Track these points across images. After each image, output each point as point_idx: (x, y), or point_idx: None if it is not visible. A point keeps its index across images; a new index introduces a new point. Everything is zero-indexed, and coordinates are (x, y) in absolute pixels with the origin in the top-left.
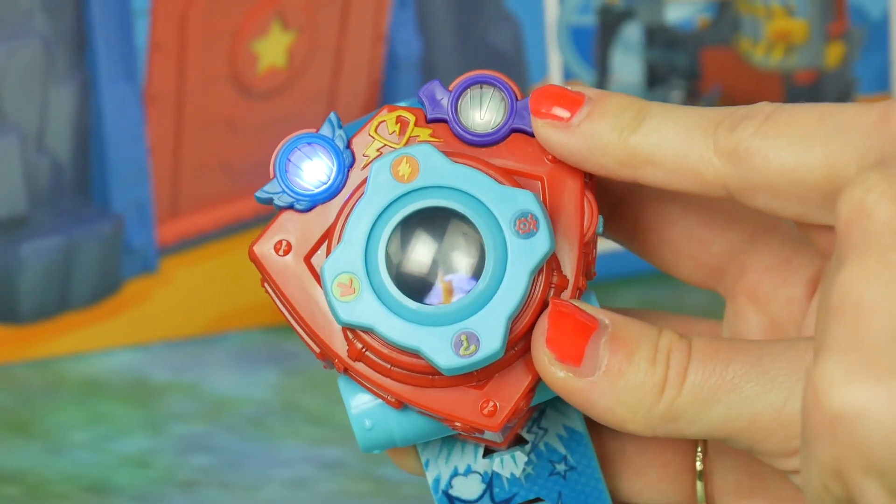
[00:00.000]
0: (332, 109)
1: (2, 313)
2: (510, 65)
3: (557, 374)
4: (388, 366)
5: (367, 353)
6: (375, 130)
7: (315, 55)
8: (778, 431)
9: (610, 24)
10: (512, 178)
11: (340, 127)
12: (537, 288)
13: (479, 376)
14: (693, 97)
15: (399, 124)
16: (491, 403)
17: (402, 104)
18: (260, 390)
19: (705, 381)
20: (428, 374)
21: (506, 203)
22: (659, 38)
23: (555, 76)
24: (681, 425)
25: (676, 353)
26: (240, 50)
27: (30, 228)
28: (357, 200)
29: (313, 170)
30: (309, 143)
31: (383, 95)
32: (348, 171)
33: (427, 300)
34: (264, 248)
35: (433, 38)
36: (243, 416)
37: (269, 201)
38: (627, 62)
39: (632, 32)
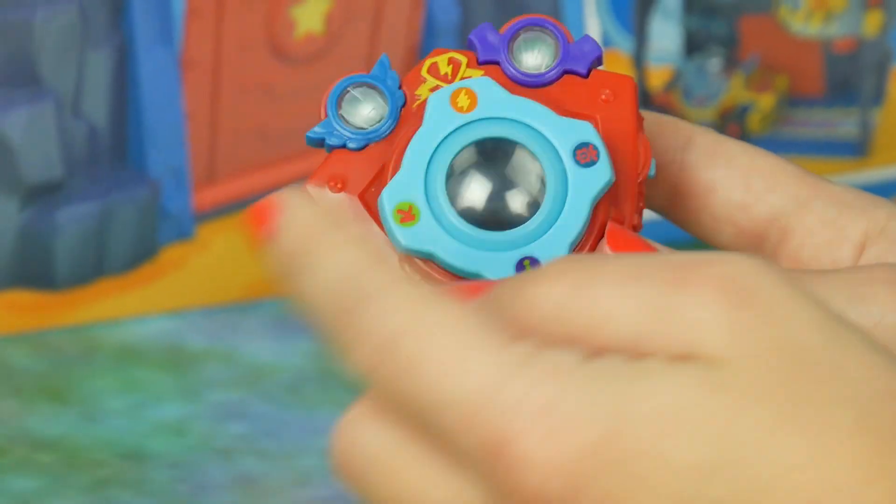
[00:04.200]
0: None
1: (38, 279)
2: None
3: None
4: None
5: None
6: (427, 71)
7: (353, 21)
8: None
9: None
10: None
11: (391, 69)
12: (597, 220)
13: None
14: (731, 65)
15: (451, 66)
16: None
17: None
18: (297, 357)
19: None
20: None
21: (565, 133)
22: (697, 5)
23: None
24: None
25: None
26: (277, 15)
27: (66, 194)
28: (414, 133)
29: (365, 110)
30: (361, 84)
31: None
32: (400, 111)
33: (488, 228)
34: (319, 184)
35: (471, 4)
36: (280, 384)
37: (320, 141)
38: (666, 29)
39: (670, 0)
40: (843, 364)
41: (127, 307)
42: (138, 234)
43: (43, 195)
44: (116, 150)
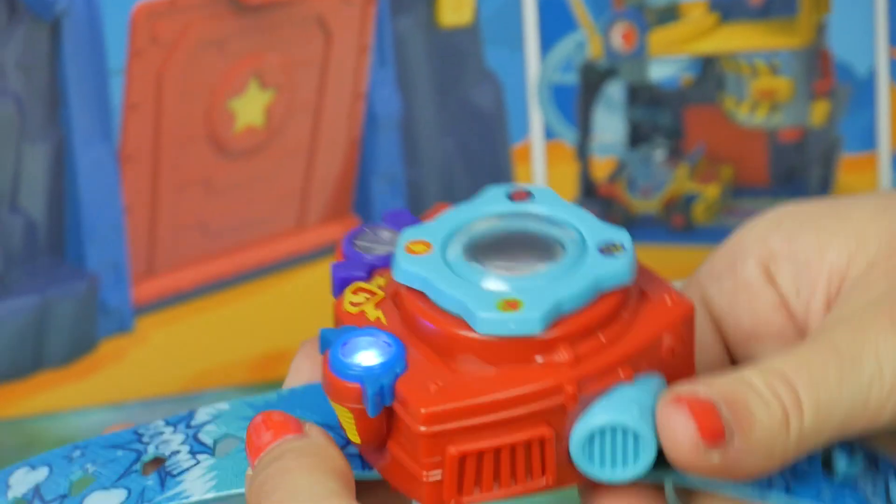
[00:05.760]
0: (310, 167)
1: None
2: (491, 123)
3: (714, 460)
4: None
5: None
6: (350, 304)
7: (293, 114)
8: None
9: (592, 82)
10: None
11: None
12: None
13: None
14: (676, 155)
15: (360, 292)
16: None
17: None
18: None
19: (818, 396)
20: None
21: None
22: (642, 96)
23: (536, 135)
24: (811, 445)
25: (780, 385)
26: (217, 109)
27: (3, 288)
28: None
29: (368, 356)
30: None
31: (363, 154)
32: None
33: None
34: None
35: (413, 96)
36: None
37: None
38: (610, 121)
39: (614, 91)
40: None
41: (66, 400)
42: (77, 328)
43: None
44: (54, 244)
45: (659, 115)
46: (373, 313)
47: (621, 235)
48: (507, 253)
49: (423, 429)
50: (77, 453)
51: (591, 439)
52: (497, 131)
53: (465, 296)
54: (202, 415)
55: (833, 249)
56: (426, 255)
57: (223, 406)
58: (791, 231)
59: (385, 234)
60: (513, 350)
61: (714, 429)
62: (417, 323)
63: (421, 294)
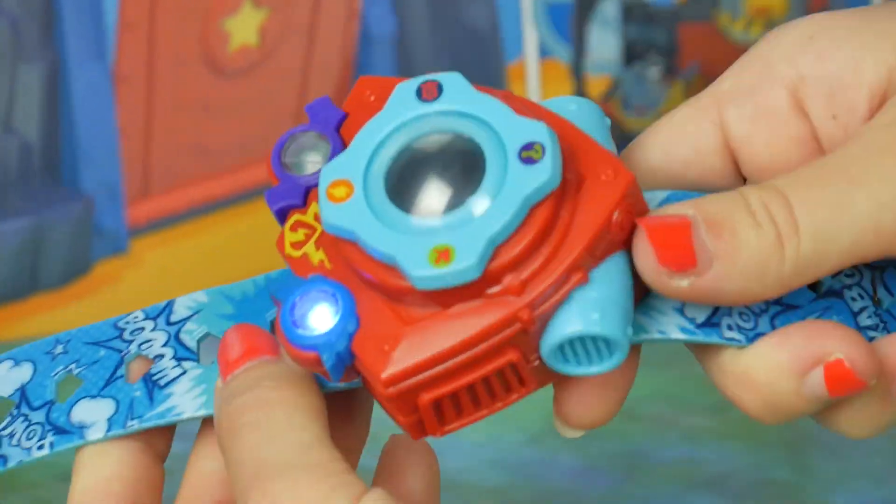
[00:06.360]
0: (304, 87)
1: None
2: (485, 42)
3: (682, 286)
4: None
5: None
6: (291, 246)
7: (287, 33)
8: None
9: (587, 0)
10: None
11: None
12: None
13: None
14: (671, 73)
15: (299, 227)
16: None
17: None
18: None
19: (817, 219)
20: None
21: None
22: (636, 14)
23: (530, 54)
24: (814, 272)
25: (775, 205)
26: (211, 28)
27: None
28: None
29: (320, 316)
30: (309, 295)
31: (356, 73)
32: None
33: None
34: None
35: (407, 15)
36: None
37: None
38: (604, 39)
39: (609, 8)
40: None
41: (61, 322)
42: (72, 250)
43: None
44: (49, 165)
45: (653, 33)
46: (315, 256)
47: (538, 131)
48: (429, 180)
49: (388, 391)
50: (59, 349)
51: (560, 349)
52: (492, 49)
53: (396, 250)
54: (181, 308)
55: (870, 66)
56: (349, 202)
57: (201, 297)
58: (822, 49)
59: (311, 138)
60: (458, 292)
61: (678, 254)
62: (358, 272)
63: (355, 244)
